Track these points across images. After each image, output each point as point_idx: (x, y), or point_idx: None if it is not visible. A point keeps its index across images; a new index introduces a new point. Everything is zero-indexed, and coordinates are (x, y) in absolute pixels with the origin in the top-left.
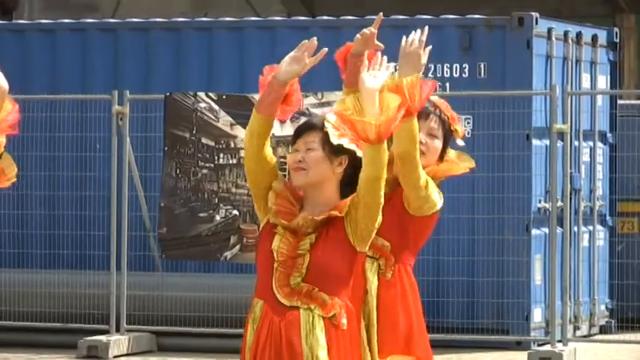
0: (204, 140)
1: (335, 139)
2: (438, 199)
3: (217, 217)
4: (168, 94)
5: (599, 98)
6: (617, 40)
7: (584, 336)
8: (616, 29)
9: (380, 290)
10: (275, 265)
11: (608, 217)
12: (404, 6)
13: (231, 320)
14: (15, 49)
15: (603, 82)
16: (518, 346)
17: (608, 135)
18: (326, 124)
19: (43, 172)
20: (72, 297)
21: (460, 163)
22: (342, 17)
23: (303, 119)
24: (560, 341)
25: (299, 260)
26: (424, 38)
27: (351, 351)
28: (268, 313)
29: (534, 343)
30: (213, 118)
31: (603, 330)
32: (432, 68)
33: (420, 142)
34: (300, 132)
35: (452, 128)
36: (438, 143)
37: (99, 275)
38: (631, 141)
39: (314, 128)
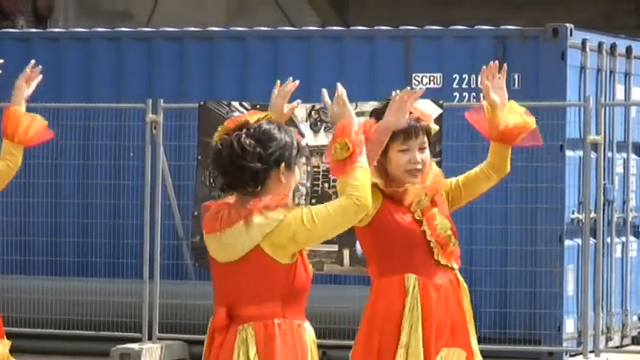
0: None
1: None
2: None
3: None
4: (202, 102)
5: (633, 109)
6: None
7: (617, 347)
8: None
9: None
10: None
11: None
12: (437, 16)
13: None
14: (49, 57)
15: (637, 93)
16: (550, 356)
17: None
18: None
19: (78, 180)
20: (105, 305)
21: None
22: (375, 27)
23: None
24: (592, 352)
25: None
26: (417, 96)
27: None
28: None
29: (566, 353)
30: None
31: (635, 341)
32: (467, 79)
33: (418, 162)
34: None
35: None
36: (428, 152)
37: (132, 283)
38: None
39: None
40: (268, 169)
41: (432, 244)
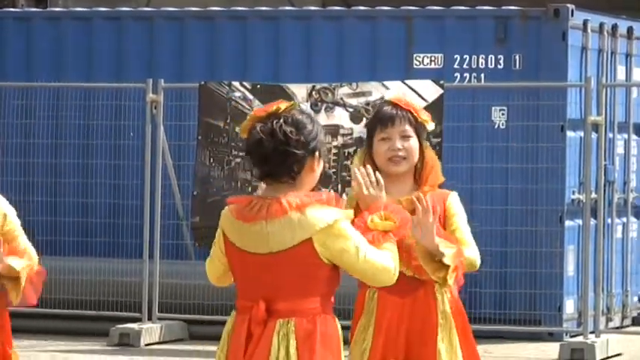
0: (237, 129)
1: None
2: None
3: None
4: (202, 82)
5: (634, 90)
6: None
7: (617, 327)
8: None
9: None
10: None
11: None
12: None
13: None
14: (50, 36)
15: (638, 74)
16: (551, 337)
17: None
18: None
19: (77, 160)
20: (104, 285)
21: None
22: (377, 7)
23: (338, 109)
24: (592, 332)
25: None
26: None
27: None
28: None
29: (566, 334)
30: (247, 107)
31: (636, 321)
32: (467, 59)
33: (398, 149)
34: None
35: (420, 120)
36: (414, 141)
37: (131, 263)
38: None
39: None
40: (307, 157)
41: None
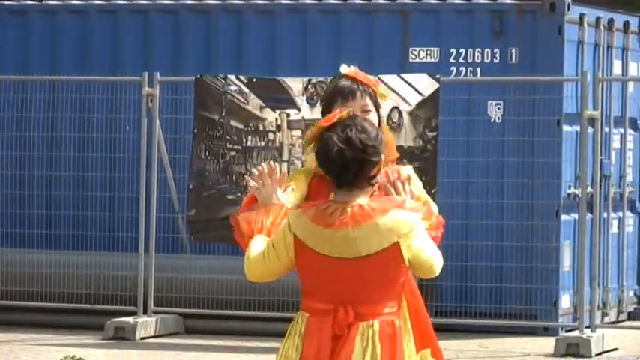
0: (232, 123)
1: None
2: None
3: None
4: (198, 76)
5: (631, 85)
6: None
7: (612, 322)
8: None
9: None
10: None
11: (637, 204)
12: None
13: (258, 303)
14: (46, 30)
15: (634, 68)
16: (546, 331)
17: (639, 122)
18: None
19: (73, 153)
20: (100, 278)
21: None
22: (373, 1)
23: None
24: (588, 327)
25: None
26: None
27: None
28: None
29: (562, 328)
30: (242, 100)
31: (631, 316)
32: (464, 53)
33: None
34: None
35: (378, 94)
36: (374, 115)
37: (127, 257)
38: None
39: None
40: (380, 162)
41: None
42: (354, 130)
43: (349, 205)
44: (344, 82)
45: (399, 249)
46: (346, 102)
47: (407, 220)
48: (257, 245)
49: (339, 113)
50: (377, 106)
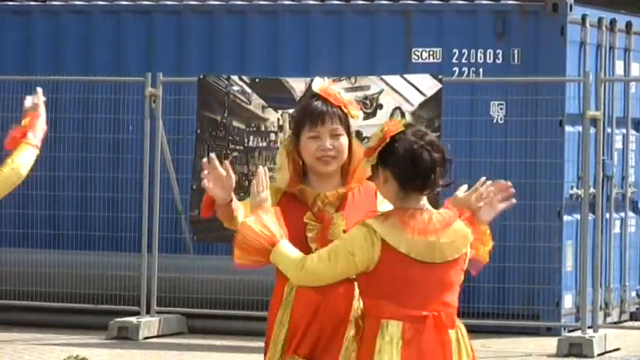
0: (235, 123)
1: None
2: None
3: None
4: (201, 76)
5: (633, 85)
6: None
7: (615, 322)
8: None
9: None
10: None
11: None
12: None
13: (261, 303)
14: (49, 30)
15: (637, 69)
16: (549, 332)
17: None
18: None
19: (76, 154)
20: (103, 278)
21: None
22: (376, 2)
23: None
24: (590, 327)
25: None
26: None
27: None
28: None
29: (565, 329)
30: (245, 101)
31: (634, 317)
32: (466, 54)
33: (328, 149)
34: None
35: (349, 115)
36: (344, 139)
37: (130, 257)
38: None
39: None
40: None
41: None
42: (426, 133)
43: (425, 210)
44: (314, 105)
45: (466, 254)
46: (315, 127)
47: (467, 227)
48: (294, 250)
49: (399, 121)
50: (348, 128)
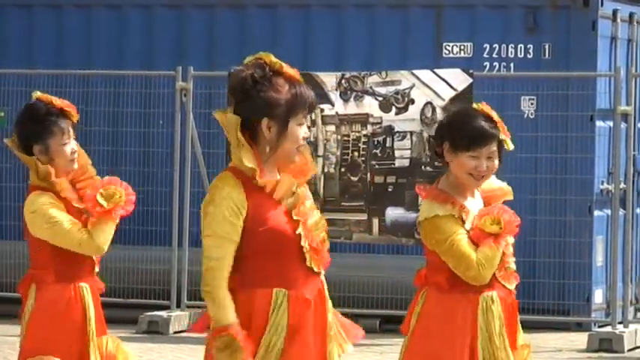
0: None
1: None
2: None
3: None
4: (232, 70)
5: None
6: None
7: None
8: None
9: None
10: None
11: None
12: None
13: None
14: (78, 24)
15: None
16: (579, 327)
17: None
18: None
19: (107, 148)
20: (133, 272)
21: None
22: None
23: (367, 98)
24: (621, 323)
25: None
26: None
27: None
28: None
29: (595, 324)
30: None
31: None
32: (497, 48)
33: (481, 170)
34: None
35: (503, 141)
36: (497, 162)
37: (160, 251)
38: None
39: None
40: None
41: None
42: None
43: None
44: (482, 124)
45: None
46: (478, 148)
47: None
48: None
49: None
50: (500, 152)
